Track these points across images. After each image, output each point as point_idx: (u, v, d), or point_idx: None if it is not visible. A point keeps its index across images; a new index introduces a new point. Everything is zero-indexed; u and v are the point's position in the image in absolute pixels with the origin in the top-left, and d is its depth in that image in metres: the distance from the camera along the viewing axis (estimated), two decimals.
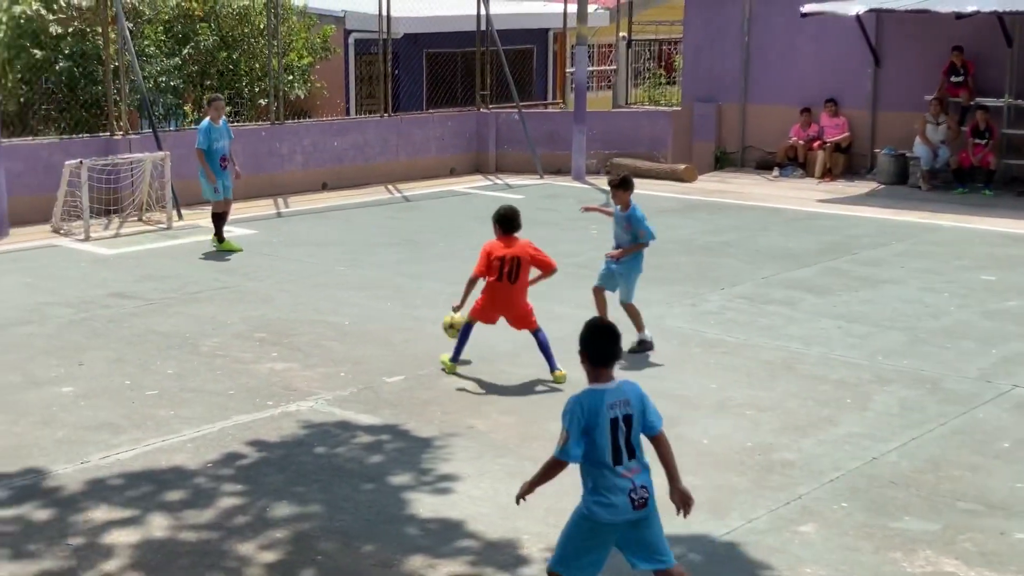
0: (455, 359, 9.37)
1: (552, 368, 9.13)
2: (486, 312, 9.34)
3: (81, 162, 14.93)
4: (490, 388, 8.94)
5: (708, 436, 7.91)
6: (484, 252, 9.32)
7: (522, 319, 9.31)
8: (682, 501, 5.29)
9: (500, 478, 7.21)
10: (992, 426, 8.10)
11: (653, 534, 5.23)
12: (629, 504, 5.11)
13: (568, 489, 6.97)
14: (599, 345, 5.25)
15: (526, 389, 8.91)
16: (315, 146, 18.95)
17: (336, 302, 11.55)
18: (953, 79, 19.10)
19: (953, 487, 7.06)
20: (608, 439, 5.09)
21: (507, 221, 9.48)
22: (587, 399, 5.14)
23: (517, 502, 5.39)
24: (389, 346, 9.99)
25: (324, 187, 18.85)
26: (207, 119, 14.05)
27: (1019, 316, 10.94)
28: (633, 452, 5.17)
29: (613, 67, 26.32)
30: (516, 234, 9.47)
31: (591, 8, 22.33)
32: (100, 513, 6.70)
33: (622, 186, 10.10)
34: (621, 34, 25.42)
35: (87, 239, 14.61)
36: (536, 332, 9.27)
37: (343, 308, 11.31)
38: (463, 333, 9.35)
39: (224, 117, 14.28)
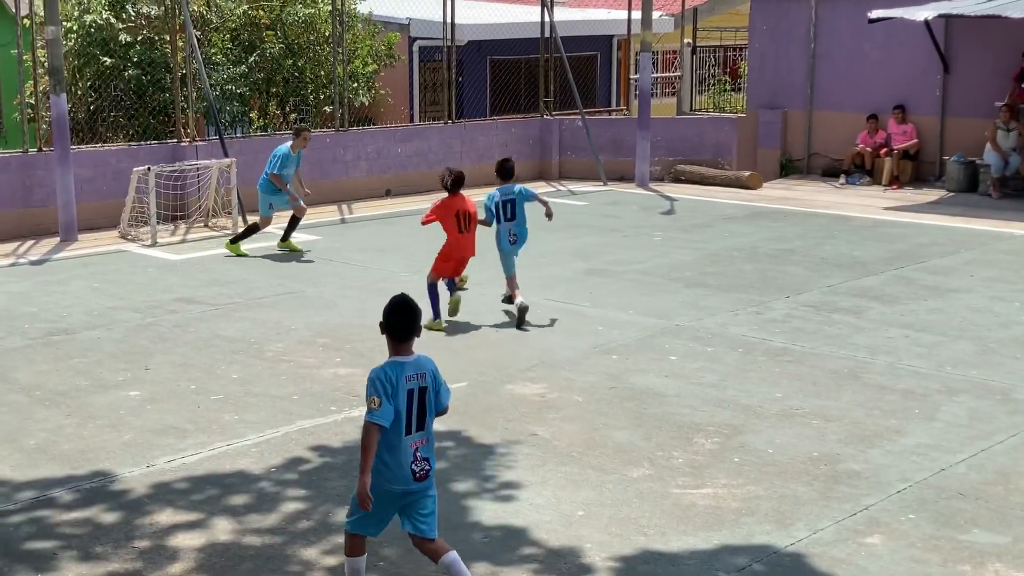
0: (437, 318, 10.77)
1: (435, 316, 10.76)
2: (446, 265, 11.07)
3: (149, 168, 15.13)
4: (553, 395, 8.91)
5: (773, 445, 7.83)
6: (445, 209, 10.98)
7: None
8: None
9: (563, 486, 7.18)
10: None
11: (427, 507, 5.57)
12: (411, 475, 5.48)
13: (631, 499, 6.95)
14: (399, 321, 5.52)
15: (589, 396, 8.88)
16: (379, 153, 19.05)
17: None
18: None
19: (1022, 498, 6.92)
20: (404, 410, 5.41)
21: (459, 182, 10.96)
22: (389, 370, 5.45)
23: (364, 503, 5.37)
24: (451, 352, 10.00)
25: (388, 193, 18.95)
26: (287, 145, 14.21)
27: None
28: (422, 424, 5.51)
29: (677, 73, 26.19)
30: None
31: (655, 14, 22.25)
32: (165, 516, 6.77)
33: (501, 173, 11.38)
34: (686, 40, 25.29)
35: (154, 244, 14.80)
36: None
37: None
38: (431, 294, 10.78)
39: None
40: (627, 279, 12.82)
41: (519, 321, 10.91)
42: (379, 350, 10.02)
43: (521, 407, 8.65)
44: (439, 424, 8.23)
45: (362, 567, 5.78)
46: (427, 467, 5.52)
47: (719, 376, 9.37)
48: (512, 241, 11.36)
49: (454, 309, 11.14)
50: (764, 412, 8.50)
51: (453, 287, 11.40)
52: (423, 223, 11.30)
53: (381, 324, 5.58)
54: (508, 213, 11.31)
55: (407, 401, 5.42)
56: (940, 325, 10.82)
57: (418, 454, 5.50)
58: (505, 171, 11.32)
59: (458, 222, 10.91)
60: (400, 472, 5.46)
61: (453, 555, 5.58)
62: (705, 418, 8.37)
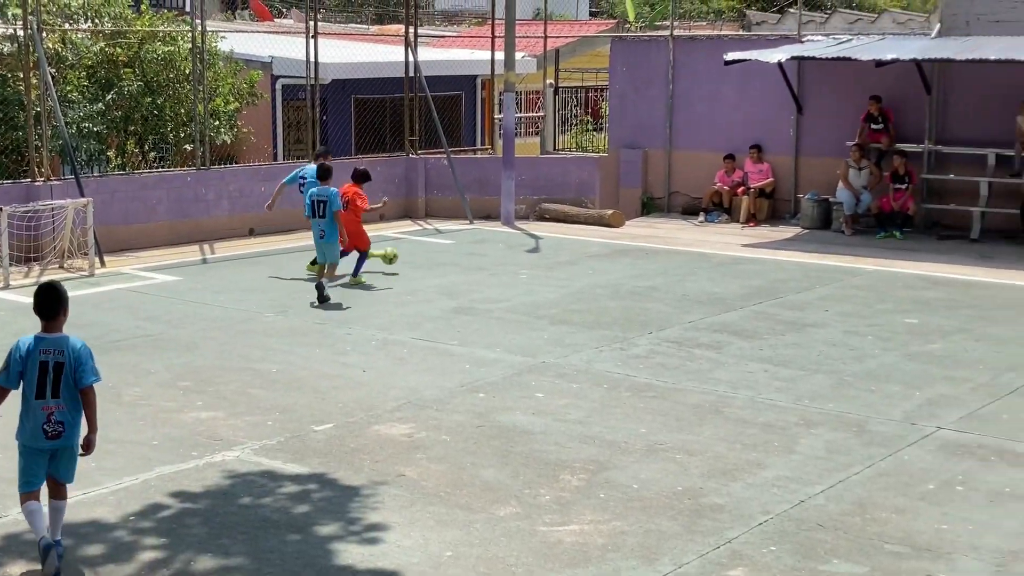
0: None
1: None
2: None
3: (1, 209, 14.67)
4: (420, 435, 8.86)
5: (638, 481, 7.91)
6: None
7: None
8: (84, 446, 6.55)
9: (430, 527, 7.14)
10: (917, 468, 8.18)
11: (66, 462, 6.59)
12: (43, 434, 6.42)
13: (499, 538, 6.94)
14: (40, 303, 6.53)
15: (456, 435, 8.85)
16: (242, 191, 18.80)
17: (263, 349, 11.43)
18: (873, 126, 19.50)
19: (880, 529, 7.11)
20: (35, 377, 6.37)
21: (364, 176, 14.99)
22: (25, 342, 6.46)
23: None
24: (317, 393, 9.88)
25: (252, 233, 18.70)
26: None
27: (942, 359, 11.11)
28: (57, 393, 6.40)
29: (541, 113, 26.51)
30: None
31: (518, 55, 22.49)
32: (18, 568, 6.52)
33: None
34: (548, 81, 25.64)
35: (7, 287, 14.33)
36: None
37: (270, 355, 11.18)
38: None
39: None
40: (493, 317, 12.85)
41: (318, 299, 13.23)
42: (243, 392, 9.90)
43: (388, 448, 8.58)
44: (301, 466, 8.14)
45: (38, 507, 6.49)
46: (60, 429, 6.42)
47: (585, 412, 9.44)
48: (321, 236, 13.75)
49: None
50: (629, 448, 8.59)
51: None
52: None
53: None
54: (320, 211, 13.71)
55: (40, 371, 6.37)
56: (798, 359, 11.09)
57: (53, 417, 6.41)
58: (323, 173, 13.86)
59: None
60: (35, 431, 6.42)
61: (63, 504, 6.57)
62: (571, 455, 8.42)
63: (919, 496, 7.66)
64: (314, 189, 13.90)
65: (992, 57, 16.95)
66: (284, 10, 39.91)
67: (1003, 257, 16.82)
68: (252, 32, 25.47)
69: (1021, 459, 8.32)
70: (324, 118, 22.24)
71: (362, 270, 14.78)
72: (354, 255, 14.70)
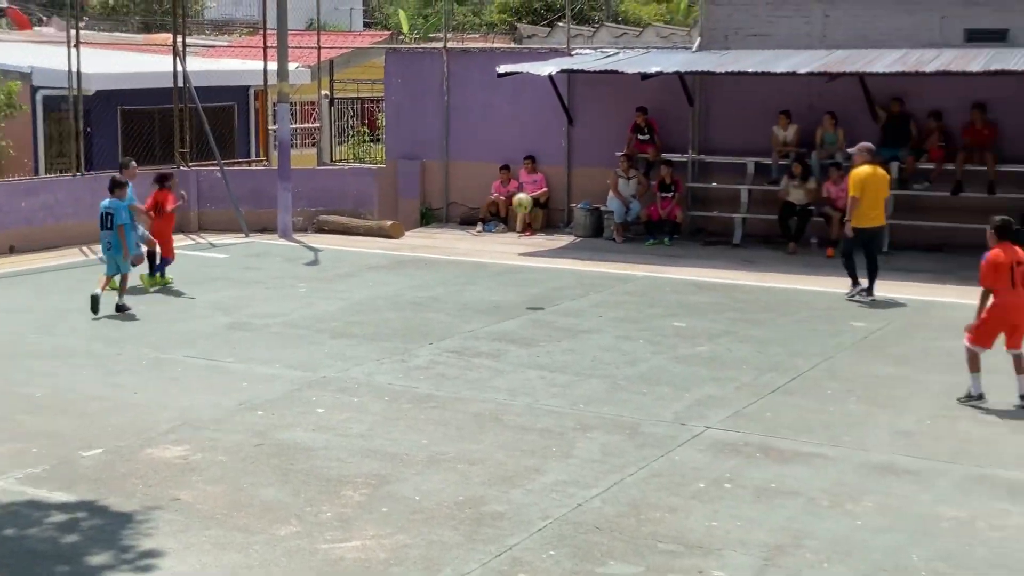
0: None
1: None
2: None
3: None
4: (196, 457, 8.64)
5: (420, 492, 7.93)
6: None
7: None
8: None
9: (207, 551, 6.97)
10: (688, 467, 8.48)
11: None
12: None
13: (279, 558, 6.84)
14: None
15: (234, 456, 8.68)
16: (0, 207, 17.95)
17: (27, 372, 10.93)
18: (640, 137, 20.13)
19: (654, 529, 7.34)
20: None
21: (163, 178, 15.84)
22: None
23: None
24: (86, 417, 9.52)
25: (12, 250, 17.86)
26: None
27: (709, 360, 11.54)
28: None
29: (316, 125, 26.27)
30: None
31: (291, 66, 22.22)
32: None
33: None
34: (323, 92, 25.43)
35: None
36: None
37: (35, 379, 10.71)
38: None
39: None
40: (271, 332, 12.67)
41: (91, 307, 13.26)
42: (6, 418, 9.43)
43: (162, 471, 8.34)
44: (69, 494, 7.83)
45: None
46: None
47: (366, 426, 9.41)
48: (107, 248, 13.79)
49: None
50: (411, 460, 8.60)
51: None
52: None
53: None
54: (107, 223, 13.75)
55: None
56: (573, 365, 11.34)
57: None
58: (112, 185, 14.02)
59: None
60: None
61: None
62: (353, 470, 8.37)
63: (690, 495, 7.93)
64: (105, 201, 13.90)
65: (750, 70, 17.75)
66: (44, 18, 38.26)
67: (764, 261, 17.60)
68: (9, 41, 24.33)
69: (784, 455, 8.72)
70: (89, 130, 21.43)
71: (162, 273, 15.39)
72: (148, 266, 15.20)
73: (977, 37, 18.23)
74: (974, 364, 9.94)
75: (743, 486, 8.08)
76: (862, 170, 14.47)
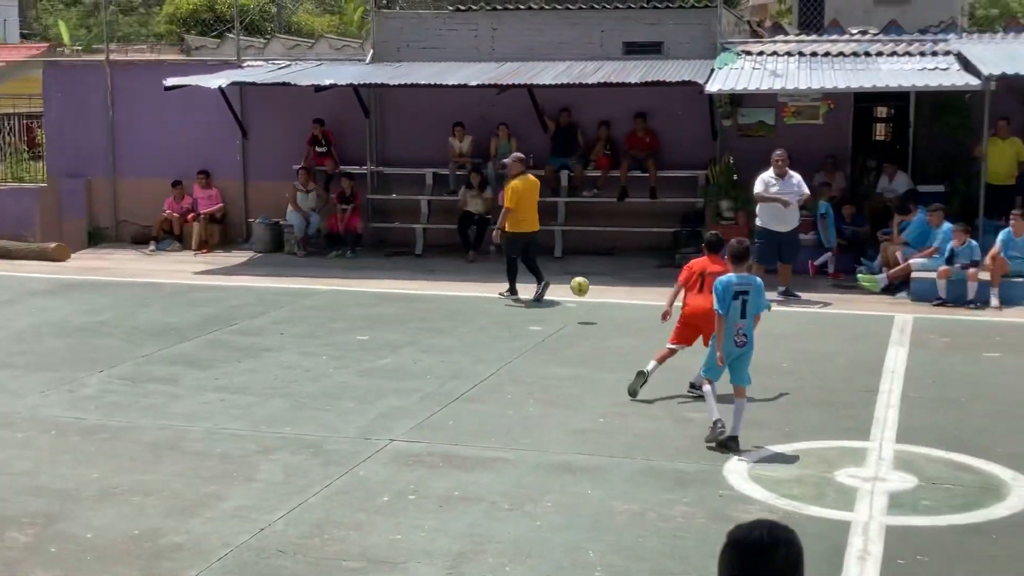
0: None
1: None
2: None
3: None
4: None
5: (92, 529, 7.52)
6: None
7: None
8: None
9: None
10: (373, 482, 8.44)
11: None
12: None
13: None
14: None
15: None
16: None
17: None
18: (318, 149, 20.00)
19: (339, 548, 7.26)
20: None
21: None
22: None
23: None
24: None
25: None
26: None
27: (392, 372, 11.57)
28: None
29: None
30: None
31: None
32: None
33: None
34: None
35: None
36: None
37: None
38: None
39: None
40: None
41: None
42: None
43: None
44: None
45: None
46: None
47: (31, 463, 8.85)
48: None
49: None
50: (81, 495, 8.16)
51: None
52: None
53: None
54: None
55: None
56: (254, 385, 11.09)
57: None
58: None
59: None
60: None
61: None
62: (18, 509, 7.86)
63: (375, 510, 7.90)
64: None
65: (422, 82, 17.97)
66: None
67: (444, 270, 17.86)
68: None
69: (467, 462, 8.84)
70: None
71: None
72: None
73: (635, 50, 19.17)
74: (663, 358, 10.47)
75: (427, 496, 8.12)
76: (517, 182, 15.00)
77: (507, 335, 13.27)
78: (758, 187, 15.68)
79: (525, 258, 15.21)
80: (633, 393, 10.41)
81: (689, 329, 10.42)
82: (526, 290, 15.10)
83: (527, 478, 8.44)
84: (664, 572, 6.83)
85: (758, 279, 9.35)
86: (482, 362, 11.91)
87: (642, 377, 10.43)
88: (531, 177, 15.37)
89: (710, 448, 8.99)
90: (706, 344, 9.95)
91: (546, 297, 14.99)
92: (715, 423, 9.04)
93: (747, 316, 9.09)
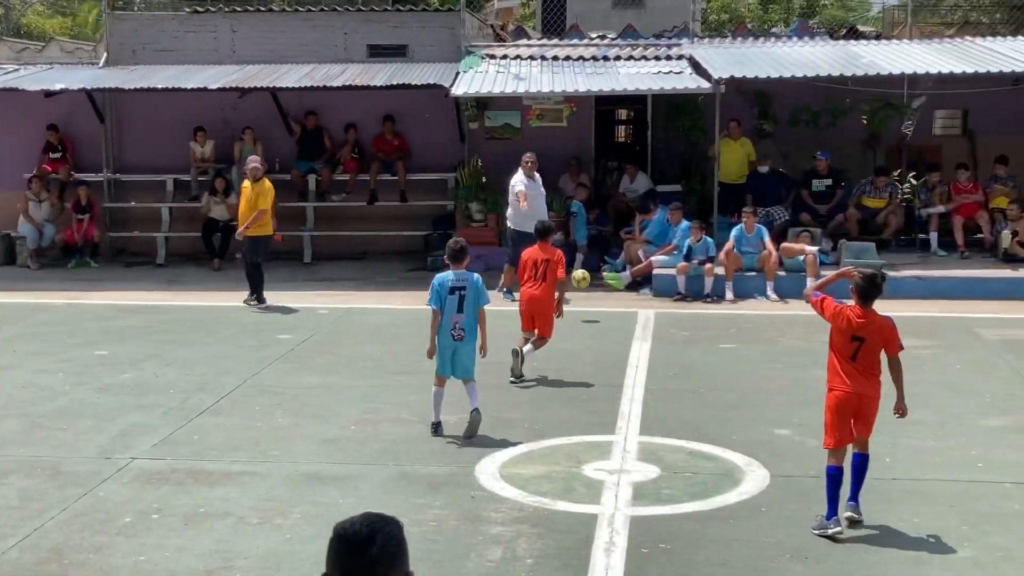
0: None
1: None
2: None
3: None
4: None
5: None
6: None
7: None
8: None
9: None
10: (114, 502, 8.10)
11: None
12: None
13: None
14: None
15: None
16: None
17: None
18: (52, 156, 19.11)
19: (79, 573, 6.92)
20: None
21: None
22: None
23: None
24: None
25: None
26: None
27: (133, 388, 11.14)
28: None
29: None
30: None
31: None
32: None
33: None
34: None
35: None
36: None
37: None
38: None
39: None
40: None
41: None
42: None
43: None
44: None
45: None
46: None
47: None
48: None
49: None
50: None
51: None
52: None
53: None
54: None
55: None
56: None
57: None
58: None
59: None
60: None
61: None
62: None
63: (116, 531, 7.57)
64: None
65: (159, 86, 17.44)
66: None
67: (189, 279, 17.37)
68: None
69: (212, 477, 8.59)
70: None
71: None
72: None
73: (380, 53, 19.15)
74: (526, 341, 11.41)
75: (172, 514, 7.85)
76: (268, 184, 14.95)
77: (255, 344, 13.00)
78: (518, 187, 15.71)
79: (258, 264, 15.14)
80: (518, 375, 11.18)
81: (525, 317, 11.50)
82: (281, 298, 14.86)
83: (276, 490, 8.27)
84: None
85: (476, 276, 9.63)
86: (229, 373, 11.61)
87: (516, 355, 11.21)
88: (267, 183, 15.38)
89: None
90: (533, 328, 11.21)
91: (288, 305, 14.93)
92: (432, 424, 9.46)
93: (464, 311, 9.42)
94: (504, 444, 9.22)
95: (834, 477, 7.34)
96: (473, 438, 9.26)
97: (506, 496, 8.06)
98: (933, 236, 17.62)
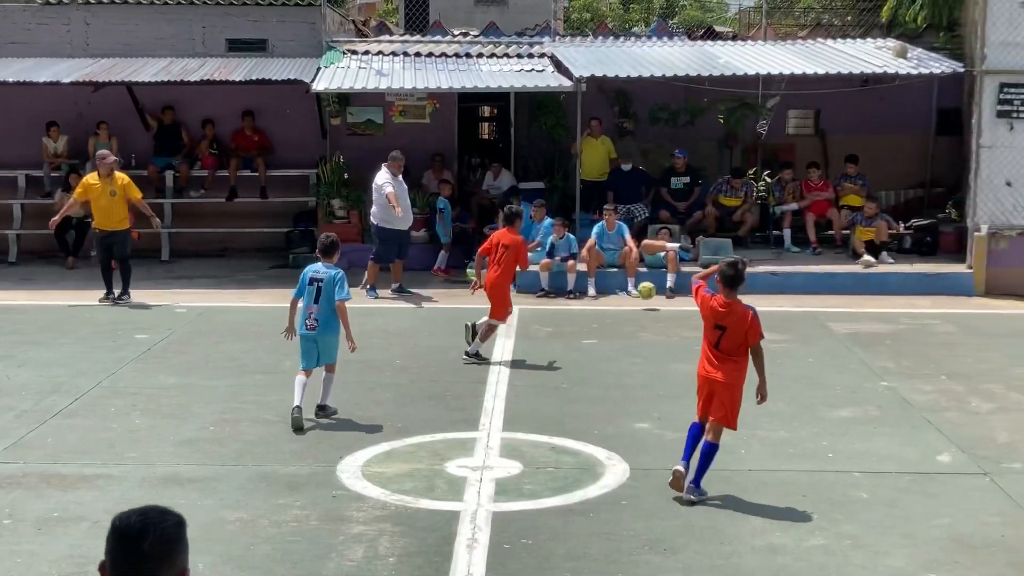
0: None
1: None
2: None
3: None
4: None
5: None
6: None
7: None
8: None
9: None
10: None
11: None
12: None
13: None
14: None
15: None
16: None
17: None
18: None
19: None
20: None
21: None
22: None
23: None
24: None
25: None
26: None
27: None
28: None
29: None
30: None
31: None
32: None
33: None
34: None
35: None
36: None
37: None
38: None
39: None
40: None
41: None
42: None
43: None
44: None
45: None
46: None
47: None
48: None
49: None
50: None
51: None
52: None
53: None
54: None
55: None
56: None
57: None
58: None
59: None
60: None
61: None
62: None
63: None
64: None
65: (10, 79, 16.91)
66: None
67: (42, 278, 16.88)
68: None
69: (67, 481, 8.36)
70: None
71: None
72: None
73: (239, 47, 18.85)
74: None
75: (23, 520, 7.62)
76: (126, 176, 14.89)
77: (111, 344, 12.69)
78: (387, 189, 15.62)
79: (111, 258, 14.96)
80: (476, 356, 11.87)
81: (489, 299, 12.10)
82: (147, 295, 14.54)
83: (133, 493, 8.09)
84: None
85: (337, 272, 9.82)
86: (84, 374, 11.31)
87: (468, 330, 12.06)
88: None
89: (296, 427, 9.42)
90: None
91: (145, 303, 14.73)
92: (293, 408, 9.53)
93: (319, 303, 9.68)
94: (367, 443, 9.19)
95: (692, 433, 8.01)
96: (298, 432, 9.39)
97: (368, 495, 8.04)
98: (787, 233, 18.11)
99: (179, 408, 10.21)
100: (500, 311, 12.10)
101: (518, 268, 12.24)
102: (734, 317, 7.78)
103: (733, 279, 7.83)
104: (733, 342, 7.79)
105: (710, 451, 7.89)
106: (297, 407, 9.50)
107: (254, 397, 10.46)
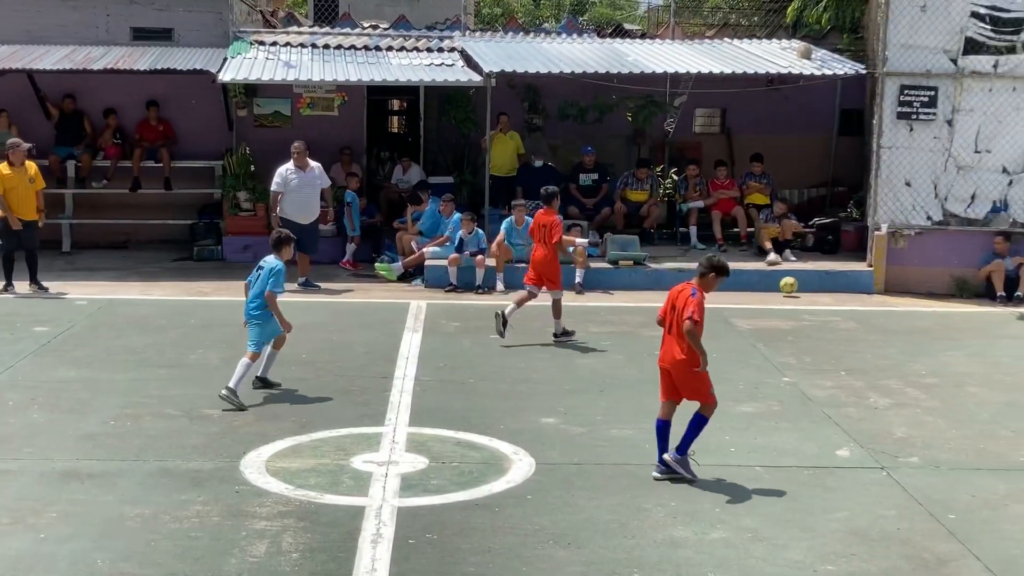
0: None
1: None
2: None
3: None
4: None
5: None
6: None
7: None
8: None
9: None
10: None
11: None
12: None
13: None
14: None
15: None
16: None
17: None
18: None
19: None
20: None
21: None
22: None
23: None
24: None
25: None
26: None
27: None
28: None
29: None
30: None
31: None
32: None
33: None
34: None
35: None
36: None
37: None
38: None
39: None
40: None
41: None
42: None
43: None
44: None
45: None
46: None
47: None
48: None
49: None
50: None
51: None
52: None
53: None
54: None
55: None
56: None
57: None
58: None
59: None
60: None
61: None
62: None
63: None
64: None
65: None
66: None
67: None
68: None
69: None
70: None
71: None
72: None
73: (144, 36, 18.55)
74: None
75: None
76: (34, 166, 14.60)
77: (9, 337, 12.40)
78: (277, 182, 15.65)
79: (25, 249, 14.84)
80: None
81: (533, 274, 12.88)
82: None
83: (30, 489, 7.92)
84: (176, 574, 6.65)
85: (275, 264, 10.20)
86: None
87: (498, 319, 12.43)
88: (33, 166, 14.94)
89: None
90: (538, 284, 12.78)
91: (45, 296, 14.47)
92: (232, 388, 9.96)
93: (254, 288, 10.23)
94: (271, 438, 9.10)
95: (658, 429, 8.47)
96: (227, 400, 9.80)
97: (272, 490, 7.96)
98: (693, 230, 18.33)
99: (79, 402, 10.01)
100: (558, 282, 12.90)
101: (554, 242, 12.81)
102: (682, 296, 8.68)
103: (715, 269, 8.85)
104: (678, 323, 8.55)
105: (697, 423, 8.38)
106: (233, 390, 9.88)
107: (157, 391, 10.30)
